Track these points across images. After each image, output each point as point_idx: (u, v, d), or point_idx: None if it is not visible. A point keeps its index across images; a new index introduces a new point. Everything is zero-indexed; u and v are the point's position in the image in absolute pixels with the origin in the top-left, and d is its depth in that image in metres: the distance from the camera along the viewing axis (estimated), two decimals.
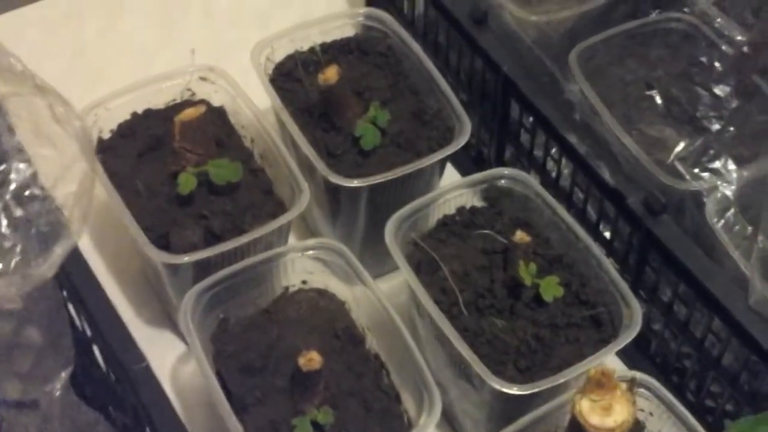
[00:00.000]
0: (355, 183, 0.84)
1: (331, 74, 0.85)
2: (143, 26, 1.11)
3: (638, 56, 0.90)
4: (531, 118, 0.92)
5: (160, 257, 0.79)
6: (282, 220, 0.82)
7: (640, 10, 0.95)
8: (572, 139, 0.87)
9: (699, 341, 0.83)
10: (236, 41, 1.09)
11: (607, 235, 0.89)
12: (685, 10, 0.91)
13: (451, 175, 0.98)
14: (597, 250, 0.82)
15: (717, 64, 0.82)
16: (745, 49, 0.80)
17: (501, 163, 0.99)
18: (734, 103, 0.81)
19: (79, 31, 1.10)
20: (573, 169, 0.89)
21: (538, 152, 0.94)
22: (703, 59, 0.83)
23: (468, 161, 1.01)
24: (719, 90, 0.82)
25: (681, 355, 0.86)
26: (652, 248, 0.83)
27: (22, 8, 1.12)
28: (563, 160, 0.91)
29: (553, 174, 0.93)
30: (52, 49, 1.07)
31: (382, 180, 0.85)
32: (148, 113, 0.89)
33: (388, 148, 0.89)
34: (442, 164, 0.90)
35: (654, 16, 0.93)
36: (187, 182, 0.82)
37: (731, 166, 0.80)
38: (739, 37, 0.83)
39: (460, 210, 0.86)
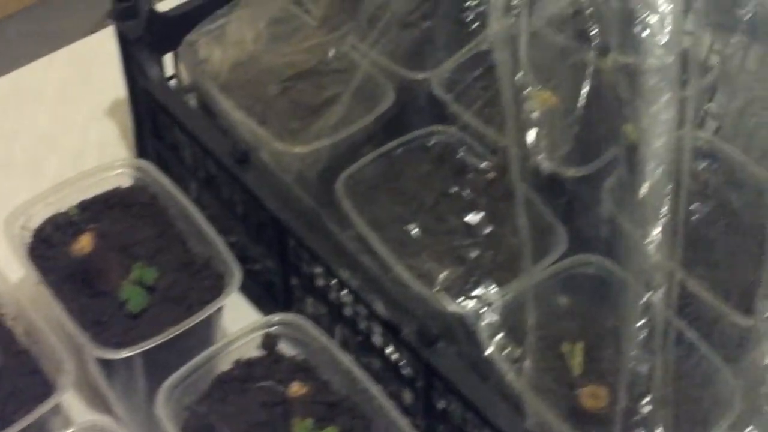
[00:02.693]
0: (123, 353, 0.81)
1: (85, 243, 0.82)
2: None
3: (402, 179, 0.90)
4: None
5: None
6: (46, 405, 0.78)
7: (405, 128, 0.95)
8: (344, 274, 0.86)
9: None
10: (5, 193, 1.05)
11: (395, 357, 0.89)
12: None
13: (240, 303, 0.96)
14: (377, 390, 0.81)
15: (467, 192, 0.83)
16: (489, 175, 0.81)
17: (288, 290, 0.97)
18: (488, 229, 0.82)
19: None
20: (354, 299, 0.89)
21: (320, 282, 0.92)
22: (456, 188, 0.84)
23: (258, 288, 0.99)
24: (472, 217, 0.82)
25: None
26: (433, 376, 0.83)
27: None
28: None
29: (336, 303, 0.92)
30: None
31: (153, 345, 0.82)
32: None
33: (159, 306, 0.86)
34: (218, 310, 0.87)
35: (416, 132, 0.94)
36: None
37: (493, 290, 0.80)
38: (484, 164, 0.84)
39: (237, 363, 0.84)
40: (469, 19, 0.88)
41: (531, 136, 0.71)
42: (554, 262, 0.86)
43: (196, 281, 0.88)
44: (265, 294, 0.99)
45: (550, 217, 0.87)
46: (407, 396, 0.88)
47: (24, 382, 0.81)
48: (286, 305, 0.97)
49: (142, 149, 1.05)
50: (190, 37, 0.98)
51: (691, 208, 0.82)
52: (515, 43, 0.72)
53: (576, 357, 0.84)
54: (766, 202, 0.85)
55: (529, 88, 0.74)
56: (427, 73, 0.97)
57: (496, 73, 0.86)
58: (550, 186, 0.87)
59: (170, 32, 0.99)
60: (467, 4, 0.87)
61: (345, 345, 0.90)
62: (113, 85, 1.14)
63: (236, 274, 0.86)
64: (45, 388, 0.81)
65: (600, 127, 0.84)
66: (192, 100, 1.00)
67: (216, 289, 0.87)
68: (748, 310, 0.82)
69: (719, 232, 0.85)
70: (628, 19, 0.71)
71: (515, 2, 0.71)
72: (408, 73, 0.97)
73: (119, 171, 0.92)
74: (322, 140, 0.92)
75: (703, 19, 0.72)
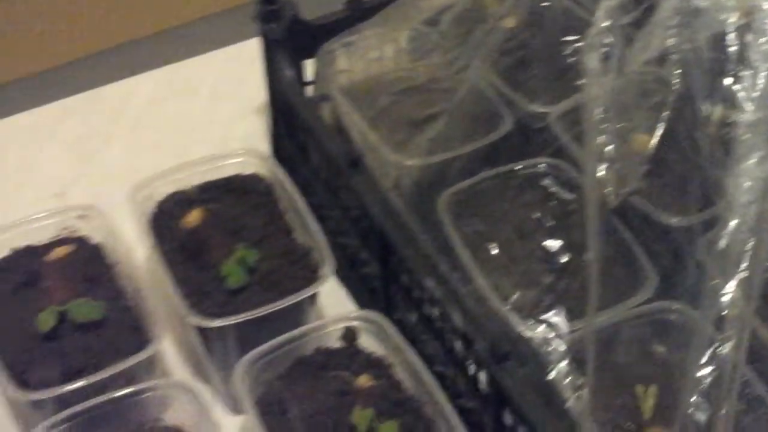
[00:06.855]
0: (216, 323, 0.87)
1: (193, 218, 0.90)
2: (61, 157, 1.16)
3: (501, 203, 0.93)
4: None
5: (10, 393, 0.82)
6: (136, 357, 0.85)
7: (516, 155, 0.98)
8: (430, 282, 0.89)
9: None
10: (153, 171, 1.13)
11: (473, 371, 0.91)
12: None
13: (348, 305, 1.01)
14: (442, 396, 0.83)
15: (553, 220, 0.84)
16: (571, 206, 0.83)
17: (388, 298, 1.01)
18: (566, 257, 0.84)
19: None
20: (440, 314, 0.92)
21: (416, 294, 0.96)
22: (538, 214, 0.86)
23: (365, 292, 1.03)
24: (551, 242, 0.84)
25: None
26: (498, 392, 0.85)
27: None
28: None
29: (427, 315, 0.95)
30: None
31: (244, 319, 0.88)
32: (28, 250, 0.94)
33: (256, 286, 0.92)
34: (311, 299, 0.93)
35: (527, 161, 0.96)
36: (46, 320, 0.86)
37: (563, 318, 0.82)
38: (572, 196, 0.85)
39: (318, 350, 0.89)
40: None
41: (601, 170, 0.73)
42: (640, 305, 0.87)
43: (294, 269, 0.93)
44: (371, 299, 1.03)
45: (642, 258, 0.88)
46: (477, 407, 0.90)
47: (124, 335, 0.88)
48: (387, 312, 1.01)
49: (276, 148, 1.12)
50: (327, 46, 1.04)
51: None
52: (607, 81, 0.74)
53: (648, 400, 0.84)
54: None
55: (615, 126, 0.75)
56: (547, 107, 0.99)
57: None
58: (648, 228, 0.88)
59: (312, 39, 1.06)
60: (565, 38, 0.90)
61: (433, 356, 0.93)
62: (263, 86, 1.23)
63: (330, 267, 0.91)
64: (142, 344, 0.88)
65: (705, 179, 0.84)
66: (325, 106, 1.06)
67: (311, 279, 0.92)
68: None
69: None
70: (719, 71, 0.72)
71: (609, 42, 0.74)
72: (527, 104, 1.00)
73: (241, 159, 0.99)
74: (434, 156, 0.97)
75: None
